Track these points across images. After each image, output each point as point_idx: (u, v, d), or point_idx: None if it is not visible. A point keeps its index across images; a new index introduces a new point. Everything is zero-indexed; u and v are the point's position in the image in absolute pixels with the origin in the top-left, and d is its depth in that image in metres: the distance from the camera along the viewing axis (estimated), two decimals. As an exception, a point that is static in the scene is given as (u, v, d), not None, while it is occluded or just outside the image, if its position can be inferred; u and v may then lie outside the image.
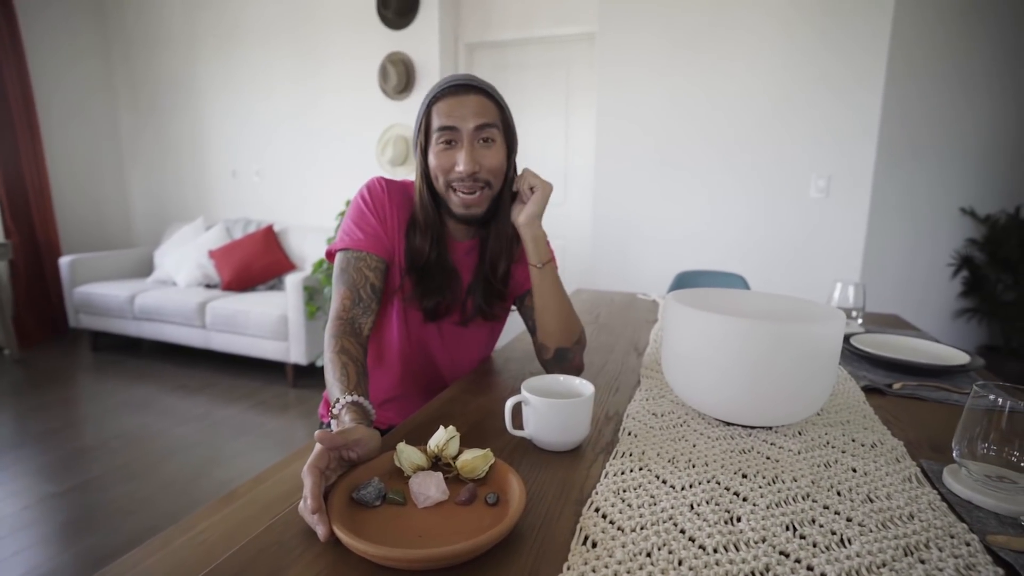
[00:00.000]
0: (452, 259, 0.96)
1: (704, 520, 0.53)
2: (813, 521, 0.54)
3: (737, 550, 0.49)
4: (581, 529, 0.52)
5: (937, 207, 2.90)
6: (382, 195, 0.93)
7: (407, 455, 0.59)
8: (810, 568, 0.47)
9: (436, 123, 0.86)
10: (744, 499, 0.58)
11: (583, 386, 0.72)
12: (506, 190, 0.93)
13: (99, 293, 3.31)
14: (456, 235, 0.97)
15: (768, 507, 0.56)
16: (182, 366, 3.21)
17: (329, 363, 0.78)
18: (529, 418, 0.67)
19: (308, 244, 3.38)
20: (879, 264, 2.80)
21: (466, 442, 0.69)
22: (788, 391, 0.69)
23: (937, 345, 1.13)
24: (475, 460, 0.58)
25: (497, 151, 0.88)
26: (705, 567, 0.47)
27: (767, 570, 0.47)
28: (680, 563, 0.47)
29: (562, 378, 0.74)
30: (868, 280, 2.73)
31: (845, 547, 0.50)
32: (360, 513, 0.53)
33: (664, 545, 0.49)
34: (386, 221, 0.93)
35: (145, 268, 3.79)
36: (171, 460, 2.13)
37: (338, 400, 0.70)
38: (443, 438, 0.61)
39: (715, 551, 0.49)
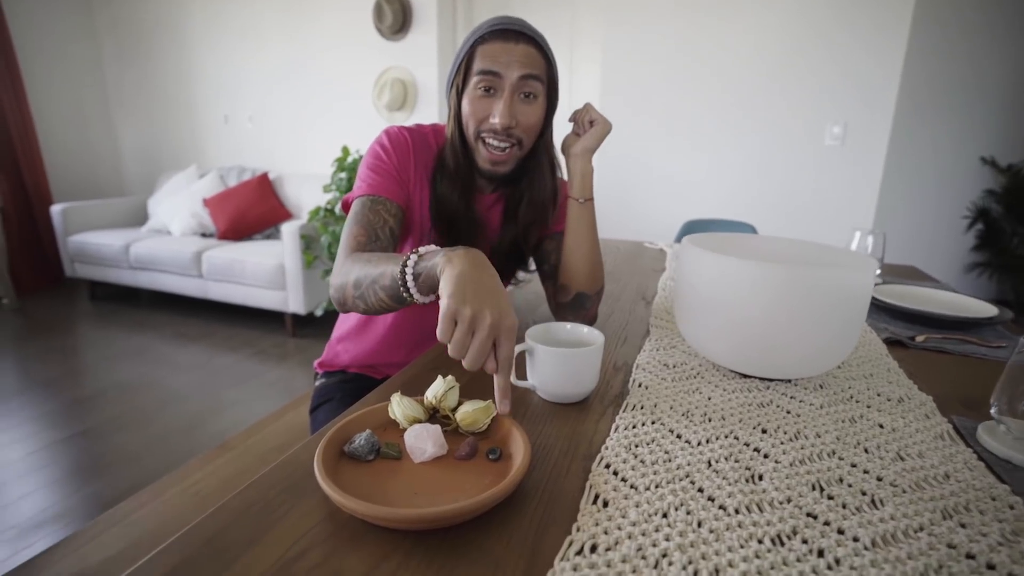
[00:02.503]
0: (478, 211, 0.90)
1: (724, 478, 0.49)
2: (841, 480, 0.50)
3: (761, 511, 0.45)
4: (591, 487, 0.48)
5: (956, 156, 2.79)
6: (403, 143, 0.87)
7: (403, 406, 0.55)
8: (841, 531, 0.43)
9: (478, 65, 0.78)
10: (765, 456, 0.54)
11: (592, 335, 0.67)
12: (540, 150, 0.87)
13: (93, 242, 3.24)
14: (480, 186, 0.91)
15: (792, 464, 0.52)
16: (180, 315, 3.19)
17: (362, 266, 0.71)
18: (534, 368, 0.63)
19: (304, 192, 3.29)
20: (891, 215, 2.71)
21: (466, 393, 0.65)
22: (812, 342, 0.64)
23: (961, 297, 1.08)
24: (476, 412, 0.54)
25: (537, 108, 0.81)
26: (727, 529, 0.43)
27: (794, 533, 0.43)
28: (700, 525, 0.43)
29: (569, 326, 0.69)
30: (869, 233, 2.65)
31: (877, 508, 0.46)
32: (351, 468, 0.49)
33: (681, 505, 0.45)
34: (406, 169, 0.87)
35: (139, 217, 3.71)
36: (171, 408, 2.13)
37: (408, 258, 0.63)
38: (441, 388, 0.56)
39: (737, 512, 0.45)
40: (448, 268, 0.56)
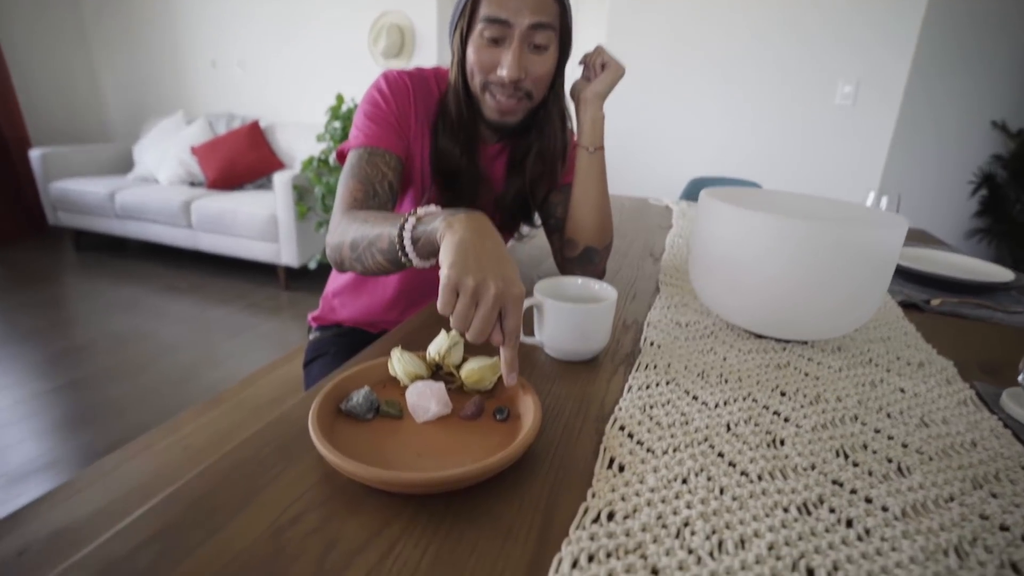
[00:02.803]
0: (481, 164, 0.84)
1: (744, 443, 0.47)
2: (865, 447, 0.47)
3: (784, 477, 0.43)
4: (605, 450, 0.45)
5: (967, 120, 2.71)
6: (402, 88, 0.80)
7: (404, 362, 0.51)
8: (868, 500, 0.41)
9: (484, 11, 0.70)
10: (786, 420, 0.51)
11: (604, 290, 0.63)
12: (551, 102, 0.81)
13: (76, 189, 3.14)
14: (484, 136, 0.85)
15: (814, 429, 0.50)
16: (170, 267, 3.13)
17: (359, 226, 0.66)
18: (542, 324, 0.59)
19: (297, 141, 3.17)
20: (897, 178, 2.66)
21: (470, 349, 0.61)
22: (835, 303, 0.61)
23: (975, 260, 1.05)
24: (482, 370, 0.51)
25: (548, 59, 0.75)
26: (751, 497, 0.40)
27: (820, 501, 0.40)
28: (722, 492, 0.41)
29: (579, 281, 0.65)
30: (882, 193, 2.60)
31: (905, 476, 0.44)
32: (349, 427, 0.46)
33: (702, 470, 0.43)
34: (407, 118, 0.80)
35: (124, 164, 3.58)
36: (162, 360, 2.10)
37: (405, 221, 0.58)
38: (445, 344, 0.52)
39: (760, 478, 0.42)
40: (448, 234, 0.51)
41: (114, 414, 1.75)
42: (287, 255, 2.79)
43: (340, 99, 2.71)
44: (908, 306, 0.86)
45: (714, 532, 0.37)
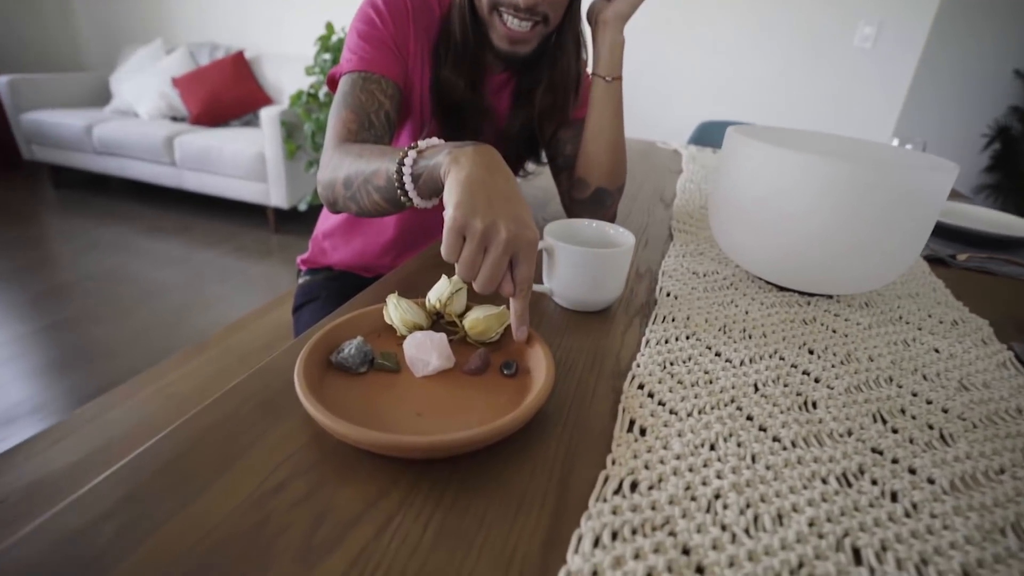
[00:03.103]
0: (486, 96, 0.76)
1: (774, 404, 0.43)
2: (903, 411, 0.44)
3: (820, 444, 0.39)
4: (625, 411, 0.41)
5: (990, 67, 2.59)
6: (400, 6, 0.71)
7: (401, 310, 0.46)
8: (912, 471, 0.37)
9: None
10: (816, 380, 0.47)
11: (620, 234, 0.57)
12: (566, 27, 0.73)
13: (51, 122, 2.98)
14: (490, 64, 0.77)
15: (847, 391, 0.46)
16: (155, 207, 3.02)
17: (353, 161, 0.59)
18: (552, 270, 0.54)
19: (284, 74, 3.00)
20: (912, 126, 2.56)
21: (474, 297, 0.56)
22: (873, 253, 0.56)
23: (999, 214, 0.99)
24: (487, 319, 0.46)
25: None
26: (785, 465, 0.36)
27: (861, 472, 0.37)
28: (754, 459, 0.37)
29: (593, 224, 0.59)
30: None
31: (949, 445, 0.40)
32: (340, 382, 0.41)
33: (731, 435, 0.39)
34: (405, 40, 0.71)
35: (101, 96, 3.39)
36: (149, 303, 2.05)
37: (404, 155, 0.52)
38: (447, 290, 0.47)
39: (793, 445, 0.39)
40: (454, 170, 0.45)
41: (100, 358, 1.71)
42: (276, 196, 2.69)
43: (330, 28, 2.54)
44: (933, 261, 0.81)
45: (748, 506, 0.33)
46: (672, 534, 0.30)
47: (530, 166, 0.89)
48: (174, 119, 3.07)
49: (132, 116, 3.11)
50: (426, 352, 0.42)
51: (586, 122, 0.76)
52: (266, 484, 0.32)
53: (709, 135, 1.82)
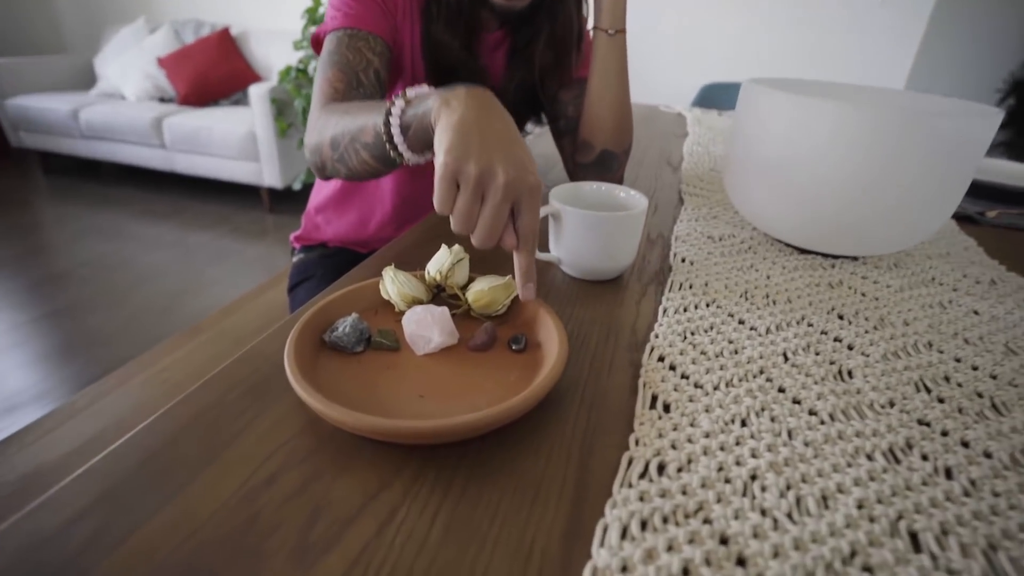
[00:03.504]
0: (480, 56, 0.71)
1: (807, 375, 0.39)
2: (947, 379, 0.40)
3: (861, 417, 0.36)
4: (646, 386, 0.37)
5: (1006, 16, 2.49)
6: None
7: (399, 283, 0.43)
8: (965, 444, 0.34)
9: None
10: (850, 347, 0.44)
11: (631, 197, 0.53)
12: None
13: (36, 107, 2.90)
14: (484, 21, 0.71)
15: (884, 358, 0.42)
16: (147, 191, 2.96)
17: (339, 119, 0.55)
18: (559, 236, 0.50)
19: (272, 50, 2.91)
20: (924, 82, 2.48)
21: (477, 267, 0.53)
22: (903, 209, 0.52)
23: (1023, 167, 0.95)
24: (493, 291, 0.42)
25: None
26: (825, 441, 0.33)
27: (909, 446, 0.33)
28: (791, 435, 0.34)
29: (603, 187, 0.55)
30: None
31: (1003, 415, 0.37)
32: (335, 363, 0.38)
33: (763, 410, 0.36)
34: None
35: (85, 78, 3.30)
36: (145, 288, 2.01)
37: (392, 105, 0.47)
38: (447, 261, 0.44)
39: (832, 418, 0.35)
40: (445, 114, 0.41)
41: (99, 344, 1.68)
42: (269, 175, 2.63)
43: (317, 1, 2.45)
44: (960, 218, 0.77)
45: (789, 487, 0.30)
46: (707, 521, 0.27)
47: (529, 126, 0.84)
48: (162, 100, 3.00)
49: (119, 99, 3.03)
50: (427, 328, 0.39)
51: (589, 81, 0.71)
52: (256, 477, 0.29)
53: (714, 98, 1.76)
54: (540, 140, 1.09)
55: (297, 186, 2.67)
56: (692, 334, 0.44)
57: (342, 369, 0.37)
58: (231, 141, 2.59)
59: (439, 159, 0.38)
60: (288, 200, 2.85)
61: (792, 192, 0.54)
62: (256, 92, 2.47)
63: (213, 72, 2.90)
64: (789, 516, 0.28)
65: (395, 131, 0.47)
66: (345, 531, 0.27)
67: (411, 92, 0.47)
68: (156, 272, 2.12)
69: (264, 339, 0.41)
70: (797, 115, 0.51)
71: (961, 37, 2.46)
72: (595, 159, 0.72)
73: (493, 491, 0.29)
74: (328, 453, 0.31)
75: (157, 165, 2.85)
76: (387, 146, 0.48)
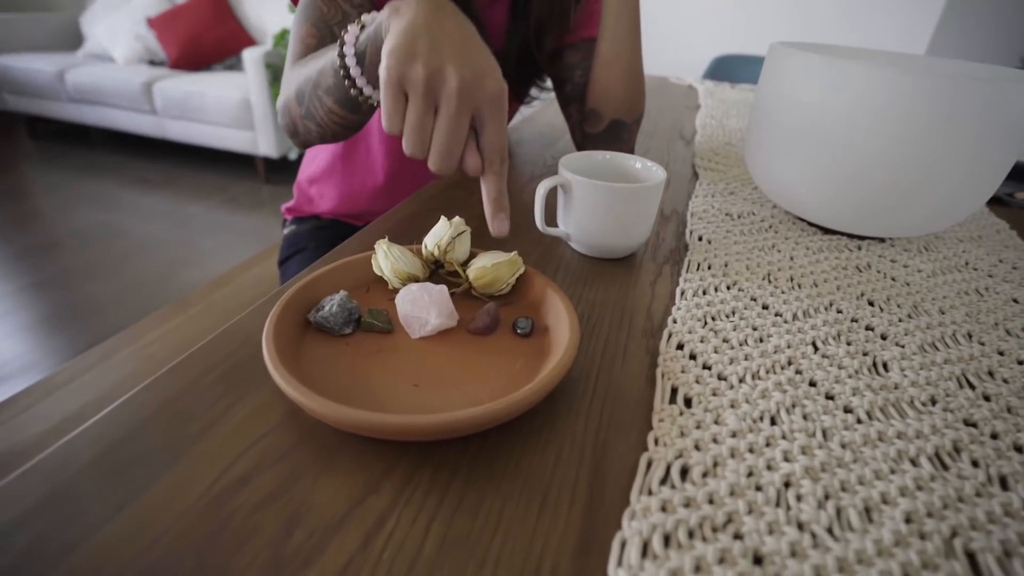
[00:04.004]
0: (476, 10, 0.66)
1: (839, 367, 0.36)
2: (991, 374, 0.37)
3: (902, 416, 0.32)
4: (664, 376, 0.34)
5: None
6: None
7: (392, 258, 0.39)
8: (1019, 448, 0.31)
9: None
10: (883, 336, 0.40)
11: (647, 168, 0.49)
12: None
13: (19, 67, 2.80)
14: None
15: (921, 349, 0.39)
16: (139, 158, 2.89)
17: (301, 70, 0.51)
18: (569, 209, 0.46)
19: (267, 12, 2.81)
20: (943, 51, 2.39)
21: (479, 243, 0.49)
22: (943, 187, 0.47)
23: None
24: (496, 268, 0.38)
25: None
26: (864, 443, 0.30)
27: (957, 450, 0.30)
28: (826, 436, 0.30)
29: (617, 156, 0.51)
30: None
31: (1055, 413, 0.33)
32: (320, 347, 0.34)
33: (794, 405, 0.32)
34: None
35: (72, 38, 3.19)
36: (137, 259, 1.97)
37: (345, 34, 0.42)
38: (446, 234, 0.40)
39: (870, 416, 0.32)
40: (394, 22, 0.35)
41: (89, 316, 1.65)
42: (264, 144, 2.56)
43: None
44: (989, 200, 0.73)
45: (827, 496, 0.26)
46: (738, 537, 0.24)
47: (535, 91, 0.79)
48: (152, 63, 2.90)
49: (107, 61, 2.93)
50: (423, 308, 0.35)
51: (597, 42, 0.66)
52: (226, 478, 0.26)
53: (725, 70, 1.69)
54: (547, 109, 1.03)
55: (293, 156, 2.60)
56: (713, 319, 0.40)
57: (328, 354, 0.33)
58: (224, 108, 2.51)
59: (383, 65, 0.33)
60: (284, 170, 2.78)
61: (821, 166, 0.50)
62: (250, 56, 2.39)
63: (206, 35, 2.80)
64: (830, 531, 0.25)
65: (351, 62, 0.41)
66: (326, 542, 0.23)
67: (366, 17, 0.42)
68: (149, 243, 2.08)
69: (244, 317, 0.37)
70: (832, 80, 0.47)
71: (982, 7, 2.37)
72: (604, 129, 0.68)
73: (495, 497, 0.26)
74: (309, 450, 0.27)
75: (148, 131, 2.77)
76: (346, 83, 0.43)
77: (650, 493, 0.26)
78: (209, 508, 0.24)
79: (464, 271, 0.40)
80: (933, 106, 0.43)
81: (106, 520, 0.24)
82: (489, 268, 0.38)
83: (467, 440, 0.28)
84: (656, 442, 0.29)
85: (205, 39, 2.80)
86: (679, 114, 1.06)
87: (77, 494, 0.25)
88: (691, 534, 0.24)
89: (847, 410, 0.32)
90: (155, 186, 2.58)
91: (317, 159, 0.81)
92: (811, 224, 0.58)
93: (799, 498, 0.26)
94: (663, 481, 0.27)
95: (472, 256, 0.41)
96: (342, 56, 0.41)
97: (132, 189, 2.53)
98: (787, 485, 0.27)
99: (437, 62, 0.32)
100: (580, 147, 0.73)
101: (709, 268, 0.48)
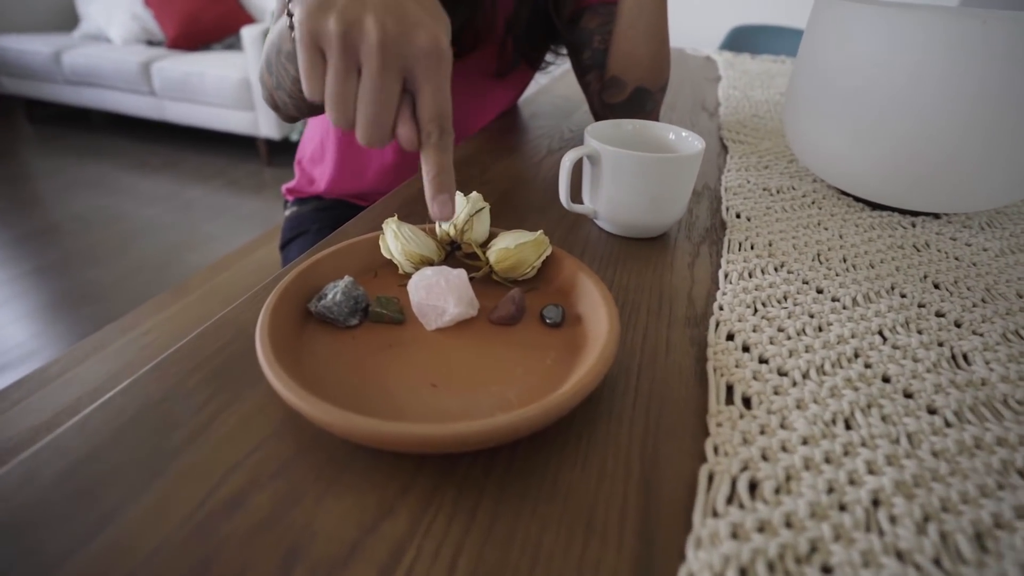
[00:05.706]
0: None
1: (914, 359, 0.31)
2: (1086, 363, 0.32)
3: (998, 419, 0.28)
4: (717, 372, 0.29)
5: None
6: None
7: (403, 239, 0.34)
8: None
9: None
10: (957, 324, 0.35)
11: (681, 138, 0.44)
12: None
13: (15, 48, 2.75)
14: None
15: (1004, 339, 0.34)
16: (140, 141, 2.84)
17: (268, 38, 0.47)
18: (597, 184, 0.42)
19: (264, -10, 2.73)
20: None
21: (498, 220, 0.45)
22: (1015, 152, 0.42)
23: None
24: (520, 249, 0.34)
25: None
26: (960, 452, 0.25)
27: (1067, 456, 0.26)
28: (911, 441, 0.26)
29: (648, 124, 0.46)
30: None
31: None
32: (322, 341, 0.30)
33: (870, 406, 0.28)
34: None
35: (67, 18, 3.12)
36: (139, 243, 1.93)
37: None
38: (464, 212, 0.35)
39: (959, 419, 0.28)
40: None
41: (92, 302, 1.62)
42: (266, 126, 2.50)
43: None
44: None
45: (927, 519, 0.22)
46: (827, 570, 0.20)
47: (550, 56, 0.74)
48: (150, 43, 2.83)
49: (104, 41, 2.87)
50: (440, 296, 0.31)
51: (619, 5, 0.60)
52: (213, 500, 0.22)
53: (744, 40, 1.62)
54: (561, 80, 0.98)
55: (295, 137, 2.54)
56: (763, 305, 0.36)
57: (331, 349, 0.29)
58: (224, 88, 2.45)
59: (296, 20, 0.28)
60: (286, 152, 2.73)
61: (877, 133, 0.45)
62: (249, 35, 2.32)
63: (204, 13, 2.72)
64: (937, 563, 0.21)
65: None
66: (332, 579, 0.19)
67: None
68: (150, 227, 2.04)
69: (236, 307, 0.33)
70: (899, 31, 0.41)
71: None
72: (627, 98, 0.62)
73: (531, 522, 0.21)
74: (310, 465, 0.23)
75: (147, 113, 2.71)
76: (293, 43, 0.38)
77: (715, 515, 0.22)
78: (193, 537, 0.20)
79: (484, 253, 0.35)
80: (1011, 59, 0.38)
81: (69, 553, 0.20)
82: (512, 249, 0.34)
83: (494, 451, 0.24)
84: (716, 451, 0.25)
85: (203, 17, 2.73)
86: (699, 86, 1.00)
87: (38, 521, 0.21)
88: (771, 567, 0.20)
89: (931, 411, 0.28)
90: (156, 169, 2.53)
91: (316, 137, 0.76)
92: (857, 199, 0.53)
93: (893, 520, 0.22)
94: (729, 499, 0.23)
95: (492, 236, 0.37)
96: (290, 15, 0.36)
97: (133, 173, 2.49)
98: (876, 504, 0.23)
99: (355, 12, 0.27)
100: (599, 119, 0.68)
101: (752, 248, 0.43)
